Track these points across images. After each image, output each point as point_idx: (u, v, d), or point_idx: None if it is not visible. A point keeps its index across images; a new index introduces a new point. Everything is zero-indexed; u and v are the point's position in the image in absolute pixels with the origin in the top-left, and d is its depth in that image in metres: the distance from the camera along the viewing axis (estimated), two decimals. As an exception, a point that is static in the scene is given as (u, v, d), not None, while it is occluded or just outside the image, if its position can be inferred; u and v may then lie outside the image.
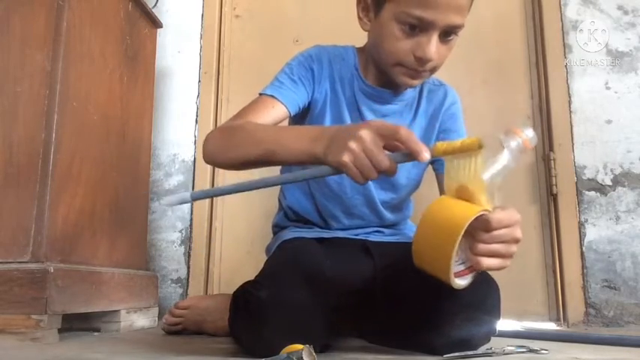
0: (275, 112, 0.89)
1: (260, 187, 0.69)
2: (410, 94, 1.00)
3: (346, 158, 0.62)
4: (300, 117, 0.97)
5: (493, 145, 0.63)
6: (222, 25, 1.81)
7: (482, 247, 0.65)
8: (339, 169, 0.64)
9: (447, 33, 0.83)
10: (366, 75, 0.97)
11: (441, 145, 0.62)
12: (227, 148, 0.80)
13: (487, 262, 0.65)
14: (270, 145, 0.74)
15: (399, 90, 0.97)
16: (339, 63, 0.98)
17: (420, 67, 0.85)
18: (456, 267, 0.65)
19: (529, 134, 0.64)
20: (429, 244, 0.64)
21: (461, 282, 0.66)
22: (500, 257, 0.66)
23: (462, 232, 0.60)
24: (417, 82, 0.91)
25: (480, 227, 0.64)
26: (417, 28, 0.82)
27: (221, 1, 1.82)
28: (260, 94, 0.92)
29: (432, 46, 0.82)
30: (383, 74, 0.94)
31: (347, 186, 0.98)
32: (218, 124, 1.73)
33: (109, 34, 1.27)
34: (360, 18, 0.93)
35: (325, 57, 0.97)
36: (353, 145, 0.61)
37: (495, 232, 0.65)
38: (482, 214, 0.63)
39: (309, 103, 0.97)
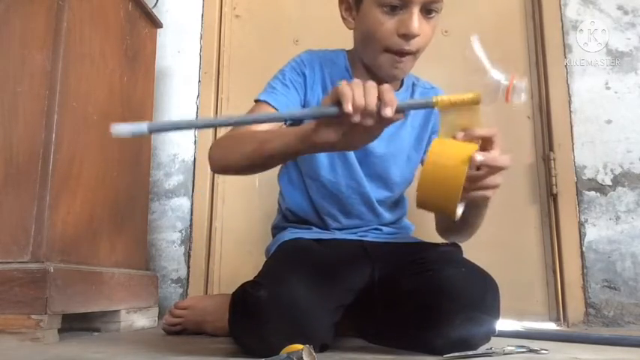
0: None
1: (224, 125, 0.67)
2: (402, 95, 1.02)
3: (345, 89, 0.62)
4: (294, 123, 0.98)
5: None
6: (222, 25, 1.81)
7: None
8: (335, 97, 0.63)
9: (428, 11, 0.87)
10: (357, 76, 0.98)
11: (442, 101, 0.66)
12: (226, 152, 0.84)
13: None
14: (262, 138, 0.77)
15: (390, 84, 0.98)
16: (330, 67, 1.00)
17: (406, 45, 0.88)
18: None
19: (518, 89, 0.65)
20: (437, 180, 0.65)
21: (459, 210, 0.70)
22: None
23: (468, 166, 0.64)
24: (400, 73, 0.93)
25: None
26: (398, 7, 0.86)
27: (221, 1, 1.82)
28: (255, 101, 0.94)
29: (414, 21, 0.85)
30: (372, 74, 0.96)
31: (342, 185, 0.99)
32: (218, 124, 1.74)
33: (109, 34, 1.27)
34: (344, 18, 0.97)
35: (316, 61, 0.99)
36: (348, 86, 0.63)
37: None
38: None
39: (302, 108, 0.98)
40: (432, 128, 1.04)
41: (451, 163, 0.64)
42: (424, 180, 0.66)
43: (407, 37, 0.87)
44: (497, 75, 0.66)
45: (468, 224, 0.86)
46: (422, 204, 0.68)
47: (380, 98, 0.62)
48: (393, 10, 0.86)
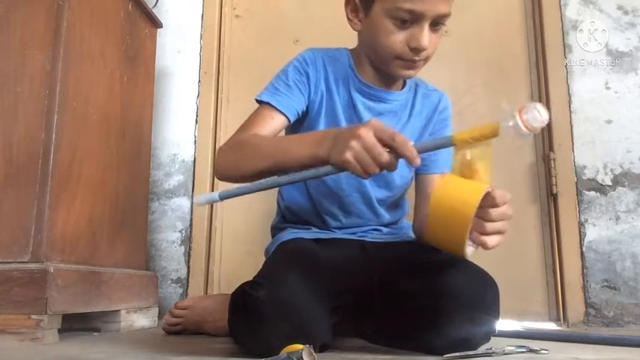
0: (275, 122, 0.93)
1: (275, 186, 0.78)
2: (405, 95, 1.02)
3: (348, 155, 0.66)
4: (299, 122, 0.98)
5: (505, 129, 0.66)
6: (222, 25, 1.81)
7: (489, 226, 0.71)
8: (342, 167, 0.68)
9: (436, 23, 0.89)
10: (361, 74, 0.99)
11: (460, 136, 0.66)
12: (237, 164, 0.85)
13: (493, 241, 0.72)
14: (276, 156, 0.79)
15: (394, 83, 1.00)
16: (334, 64, 1.00)
17: (416, 56, 0.90)
18: None
19: (530, 116, 0.64)
20: (444, 222, 0.68)
21: (470, 249, 0.72)
22: (501, 235, 0.73)
23: (475, 210, 0.65)
24: (413, 73, 0.94)
25: (484, 204, 0.69)
26: (408, 21, 0.87)
27: (221, 1, 1.82)
28: (256, 100, 0.95)
29: (425, 35, 0.87)
30: (378, 72, 0.97)
31: (343, 183, 0.99)
32: (218, 124, 1.74)
33: (109, 34, 1.27)
34: (349, 19, 0.97)
35: (319, 59, 0.99)
36: (354, 142, 0.66)
37: (500, 209, 0.71)
38: (488, 192, 0.68)
39: (307, 107, 0.98)
40: (431, 129, 1.04)
41: (459, 205, 0.66)
42: (432, 218, 0.67)
43: (417, 50, 0.88)
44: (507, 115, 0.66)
45: None
46: (431, 241, 0.71)
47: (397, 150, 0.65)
48: (403, 23, 0.87)
